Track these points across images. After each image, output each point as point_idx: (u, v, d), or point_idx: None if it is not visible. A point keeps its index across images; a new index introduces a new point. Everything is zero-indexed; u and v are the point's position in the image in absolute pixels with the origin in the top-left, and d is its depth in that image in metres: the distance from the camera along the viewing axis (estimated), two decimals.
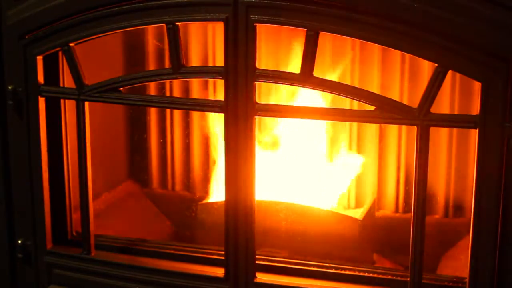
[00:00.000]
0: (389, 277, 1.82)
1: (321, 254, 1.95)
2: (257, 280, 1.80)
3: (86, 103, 1.87)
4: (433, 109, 1.63)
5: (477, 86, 1.61)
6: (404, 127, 2.17)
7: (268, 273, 1.86)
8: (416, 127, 1.64)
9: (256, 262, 1.81)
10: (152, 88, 2.33)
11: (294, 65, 1.72)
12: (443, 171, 2.17)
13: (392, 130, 2.20)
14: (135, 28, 1.81)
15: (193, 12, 1.74)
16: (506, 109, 1.58)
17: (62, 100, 1.96)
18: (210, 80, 2.26)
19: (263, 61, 1.98)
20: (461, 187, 2.17)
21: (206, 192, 2.29)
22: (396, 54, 2.13)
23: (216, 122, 2.28)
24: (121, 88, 1.85)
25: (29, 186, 1.95)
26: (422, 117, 1.63)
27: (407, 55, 2.06)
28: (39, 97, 1.90)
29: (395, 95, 2.12)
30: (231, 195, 1.78)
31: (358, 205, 2.24)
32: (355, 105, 2.00)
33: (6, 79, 1.92)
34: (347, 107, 2.02)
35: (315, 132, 2.19)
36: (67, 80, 1.96)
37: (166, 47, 2.11)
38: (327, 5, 1.63)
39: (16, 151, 1.96)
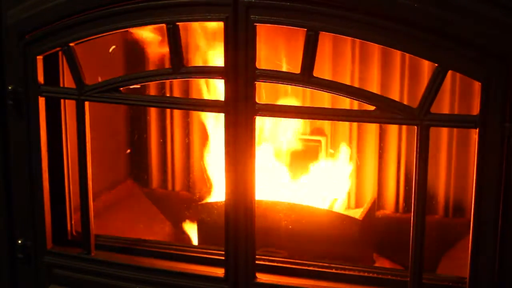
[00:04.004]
0: (389, 277, 1.82)
1: (321, 254, 1.95)
2: (257, 280, 1.80)
3: (86, 103, 1.87)
4: (433, 109, 1.63)
5: (477, 86, 1.61)
6: (404, 127, 2.17)
7: (268, 273, 1.86)
8: (416, 127, 1.64)
9: (256, 262, 1.81)
10: (152, 88, 2.33)
11: (294, 65, 1.72)
12: (443, 171, 2.17)
13: (392, 130, 2.20)
14: (135, 28, 1.81)
15: (193, 12, 1.74)
16: (506, 109, 1.58)
17: (62, 100, 1.96)
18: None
19: (263, 61, 1.98)
20: (461, 187, 2.17)
21: (206, 192, 2.29)
22: (396, 54, 2.13)
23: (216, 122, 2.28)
24: (121, 88, 1.85)
25: (29, 186, 1.95)
26: (422, 117, 1.63)
27: (407, 55, 2.06)
28: (39, 97, 1.90)
29: (395, 95, 2.13)
30: (231, 195, 1.78)
31: (358, 205, 2.24)
32: (355, 105, 2.00)
33: (6, 79, 1.92)
34: (347, 107, 2.02)
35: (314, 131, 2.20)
36: (67, 80, 1.96)
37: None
38: (327, 5, 1.63)
39: (16, 151, 1.96)
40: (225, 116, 1.75)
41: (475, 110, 1.61)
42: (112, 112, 2.33)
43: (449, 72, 1.60)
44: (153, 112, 2.39)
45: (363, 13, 1.61)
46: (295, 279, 1.85)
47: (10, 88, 1.91)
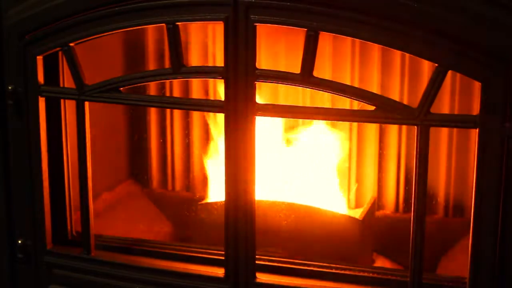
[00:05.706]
0: (389, 277, 1.82)
1: (321, 254, 1.94)
2: (257, 280, 1.80)
3: (86, 103, 1.87)
4: (433, 109, 1.63)
5: (477, 86, 1.61)
6: (404, 127, 2.17)
7: (268, 273, 1.86)
8: (416, 127, 1.64)
9: (256, 262, 1.81)
10: (152, 88, 2.33)
11: (294, 65, 1.72)
12: (443, 171, 2.17)
13: (392, 130, 2.20)
14: (135, 28, 1.81)
15: (193, 12, 1.74)
16: (506, 109, 1.58)
17: (62, 100, 1.96)
18: None
19: (263, 61, 1.98)
20: (461, 187, 2.17)
21: (206, 192, 2.29)
22: (396, 54, 2.13)
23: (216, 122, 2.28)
24: (121, 88, 1.85)
25: (29, 186, 1.95)
26: (422, 117, 1.63)
27: (407, 55, 2.06)
28: (39, 97, 1.90)
29: (395, 95, 2.12)
30: (231, 195, 1.78)
31: (358, 205, 2.24)
32: (355, 105, 1.99)
33: (6, 79, 1.92)
34: (347, 107, 2.02)
35: (314, 131, 2.20)
36: (67, 80, 1.96)
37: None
38: (327, 5, 1.63)
39: (16, 151, 1.96)
40: (225, 116, 1.75)
41: (475, 110, 1.61)
42: (112, 112, 2.33)
43: (449, 72, 1.60)
44: (153, 112, 2.39)
45: (363, 13, 1.61)
46: (295, 279, 1.85)
47: (10, 88, 1.91)
